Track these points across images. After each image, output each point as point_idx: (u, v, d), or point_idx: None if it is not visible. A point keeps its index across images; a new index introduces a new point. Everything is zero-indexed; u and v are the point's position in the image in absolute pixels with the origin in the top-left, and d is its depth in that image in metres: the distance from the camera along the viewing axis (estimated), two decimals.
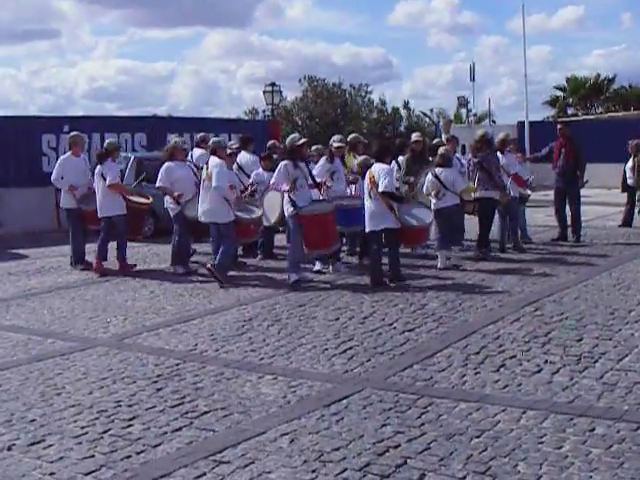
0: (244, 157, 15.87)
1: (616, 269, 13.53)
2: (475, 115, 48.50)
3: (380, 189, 12.17)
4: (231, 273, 13.43)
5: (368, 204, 12.48)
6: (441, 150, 14.39)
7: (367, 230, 12.64)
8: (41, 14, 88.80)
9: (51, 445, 6.23)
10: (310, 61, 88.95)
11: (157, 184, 14.11)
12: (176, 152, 14.22)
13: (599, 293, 11.52)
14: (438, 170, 13.91)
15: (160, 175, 14.00)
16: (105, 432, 6.47)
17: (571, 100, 55.90)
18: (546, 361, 8.08)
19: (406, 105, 68.38)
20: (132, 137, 23.52)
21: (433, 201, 13.86)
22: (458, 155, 16.97)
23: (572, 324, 9.55)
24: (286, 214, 12.78)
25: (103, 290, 12.83)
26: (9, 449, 6.17)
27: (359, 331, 9.55)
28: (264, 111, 49.95)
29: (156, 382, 7.76)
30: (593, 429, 6.20)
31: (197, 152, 16.21)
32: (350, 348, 8.80)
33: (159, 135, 22.51)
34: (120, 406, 7.10)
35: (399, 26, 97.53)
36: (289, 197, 12.46)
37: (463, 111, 56.58)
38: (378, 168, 12.44)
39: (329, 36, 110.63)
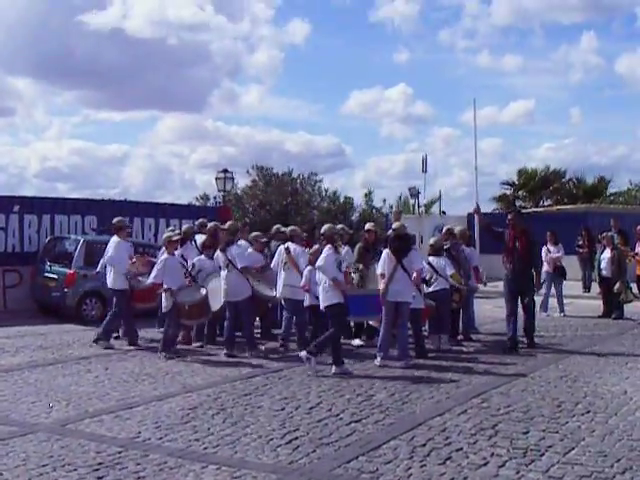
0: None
1: (563, 361, 13.61)
2: (425, 206, 49.07)
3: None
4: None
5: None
6: (431, 240, 16.02)
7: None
8: None
9: None
10: (263, 148, 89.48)
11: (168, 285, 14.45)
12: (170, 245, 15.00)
13: (546, 385, 11.57)
14: (431, 258, 15.14)
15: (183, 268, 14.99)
16: None
17: (520, 193, 56.70)
18: (492, 454, 8.05)
19: (368, 194, 68.77)
20: (82, 219, 23.39)
21: (425, 286, 14.86)
22: None
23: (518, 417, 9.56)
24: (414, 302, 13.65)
25: (47, 374, 12.61)
26: None
27: (305, 421, 9.45)
28: (215, 197, 50.13)
29: (97, 470, 7.58)
30: None
31: (200, 238, 16.67)
32: (296, 438, 8.70)
33: (110, 218, 22.32)
34: None
35: (353, 115, 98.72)
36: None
37: (413, 202, 57.11)
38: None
39: (283, 124, 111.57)
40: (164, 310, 14.50)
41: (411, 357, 13.52)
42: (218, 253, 14.86)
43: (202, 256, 15.57)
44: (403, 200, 57.49)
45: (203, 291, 14.60)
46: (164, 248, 15.39)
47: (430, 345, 14.81)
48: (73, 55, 78.61)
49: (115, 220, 16.30)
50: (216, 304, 14.68)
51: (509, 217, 15.67)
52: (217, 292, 14.57)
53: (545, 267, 20.92)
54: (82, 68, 79.58)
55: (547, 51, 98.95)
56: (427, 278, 14.87)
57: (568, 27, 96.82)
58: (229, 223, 15.99)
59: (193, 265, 15.34)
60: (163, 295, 14.42)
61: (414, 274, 13.46)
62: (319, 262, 12.84)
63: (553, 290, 21.51)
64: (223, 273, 14.55)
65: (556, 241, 21.74)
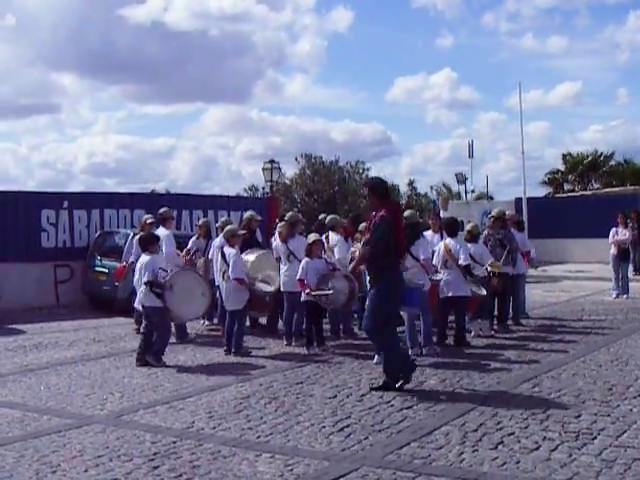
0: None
1: (614, 344, 13.53)
2: (473, 192, 48.79)
3: (461, 262, 13.78)
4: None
5: (444, 274, 13.93)
6: (469, 227, 15.45)
7: (441, 296, 13.92)
8: (42, 89, 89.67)
9: None
10: (309, 137, 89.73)
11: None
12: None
13: (597, 369, 11.52)
14: (468, 245, 14.59)
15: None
16: None
17: (569, 176, 56.21)
18: (544, 438, 8.04)
19: (411, 183, 68.85)
20: (131, 213, 23.59)
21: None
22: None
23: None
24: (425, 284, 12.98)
25: (100, 367, 12.77)
26: None
27: (357, 409, 9.50)
28: (263, 188, 50.23)
29: (153, 460, 7.68)
30: None
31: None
32: (347, 426, 8.75)
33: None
34: None
35: (398, 102, 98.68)
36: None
37: (461, 187, 56.88)
38: (454, 242, 14.06)
39: (328, 113, 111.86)
40: (241, 306, 13.67)
41: (435, 348, 13.24)
42: (279, 244, 14.70)
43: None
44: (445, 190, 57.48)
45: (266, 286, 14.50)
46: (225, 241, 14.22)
47: (480, 332, 14.78)
48: (116, 50, 79.30)
49: (162, 210, 16.32)
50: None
51: (363, 183, 11.13)
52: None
53: (612, 249, 21.55)
54: (125, 63, 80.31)
55: (593, 32, 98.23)
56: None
57: (614, 6, 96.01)
58: (289, 214, 15.84)
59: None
60: (238, 288, 13.58)
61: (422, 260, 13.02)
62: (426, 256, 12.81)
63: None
64: (283, 265, 14.46)
65: (626, 223, 22.24)
